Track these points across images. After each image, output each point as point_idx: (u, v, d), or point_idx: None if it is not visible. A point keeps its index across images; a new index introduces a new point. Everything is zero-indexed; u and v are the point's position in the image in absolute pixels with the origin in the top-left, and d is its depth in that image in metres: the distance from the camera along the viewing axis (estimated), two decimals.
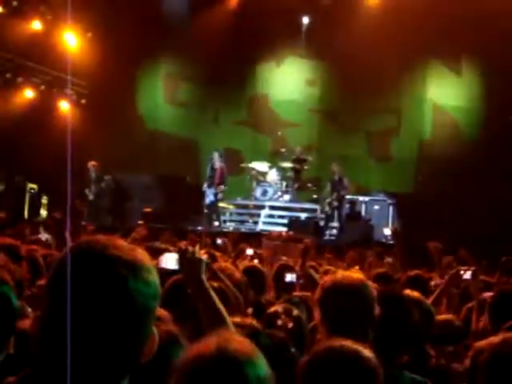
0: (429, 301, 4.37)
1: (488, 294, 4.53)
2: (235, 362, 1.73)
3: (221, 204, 17.40)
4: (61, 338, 1.39)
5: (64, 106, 18.05)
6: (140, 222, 13.77)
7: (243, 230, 16.82)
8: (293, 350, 3.09)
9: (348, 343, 2.30)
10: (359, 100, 19.04)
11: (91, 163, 17.13)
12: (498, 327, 3.69)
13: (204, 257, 3.12)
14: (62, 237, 5.51)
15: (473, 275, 5.11)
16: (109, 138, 17.86)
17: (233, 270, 4.76)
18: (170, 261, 3.18)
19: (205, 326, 2.83)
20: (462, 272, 5.14)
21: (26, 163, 16.52)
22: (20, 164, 16.66)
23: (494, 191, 16.16)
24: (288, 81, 20.48)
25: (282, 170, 17.93)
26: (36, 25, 16.86)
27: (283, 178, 17.91)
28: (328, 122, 20.15)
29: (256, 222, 17.58)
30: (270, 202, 17.76)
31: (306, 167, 17.89)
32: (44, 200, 17.13)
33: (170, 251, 3.44)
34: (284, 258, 6.90)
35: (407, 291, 3.99)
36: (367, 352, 2.29)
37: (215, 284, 3.54)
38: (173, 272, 3.28)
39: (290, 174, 17.87)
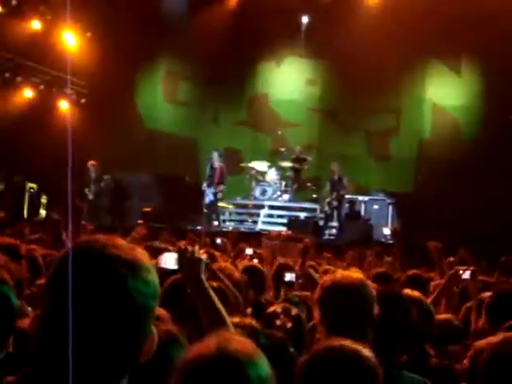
0: (428, 300, 4.37)
1: (487, 294, 4.53)
2: (236, 362, 1.73)
3: (220, 203, 17.39)
4: (60, 337, 1.39)
5: (63, 106, 18.04)
6: (139, 221, 13.75)
7: (243, 229, 16.81)
8: (291, 349, 3.09)
9: (347, 343, 2.30)
10: (359, 99, 19.05)
11: (90, 163, 17.13)
12: (496, 327, 3.70)
13: (203, 256, 3.11)
14: (59, 237, 5.49)
15: (472, 275, 5.10)
16: (108, 138, 17.86)
17: (232, 270, 4.76)
18: (169, 260, 3.18)
19: (204, 325, 2.83)
20: (460, 272, 5.13)
21: (25, 163, 16.51)
22: (19, 163, 16.65)
23: (494, 191, 16.17)
24: (288, 80, 20.48)
25: (281, 169, 17.93)
26: (35, 24, 16.85)
27: (282, 177, 17.91)
28: (328, 121, 20.16)
29: (255, 222, 17.58)
30: (270, 201, 17.76)
31: (305, 167, 17.89)
32: (43, 199, 17.12)
33: (169, 251, 3.44)
34: (281, 259, 6.88)
35: (407, 291, 3.99)
36: (367, 351, 2.29)
37: (214, 284, 3.54)
38: (172, 272, 3.28)
39: (290, 173, 17.87)
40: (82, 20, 16.54)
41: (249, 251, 7.72)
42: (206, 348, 1.76)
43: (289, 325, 3.54)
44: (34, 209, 16.73)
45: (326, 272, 5.93)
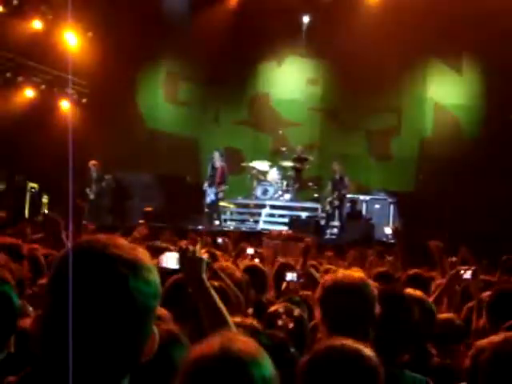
0: (430, 299, 4.37)
1: (487, 293, 4.53)
2: (239, 362, 1.73)
3: (221, 203, 17.40)
4: (62, 336, 1.39)
5: (65, 106, 18.04)
6: (141, 221, 13.75)
7: (244, 229, 16.81)
8: (292, 350, 3.09)
9: (349, 342, 2.30)
10: (360, 99, 19.04)
11: (92, 162, 17.13)
12: (496, 326, 3.69)
13: (204, 256, 3.11)
14: (58, 236, 5.47)
15: (473, 275, 5.11)
16: (109, 137, 17.86)
17: (233, 270, 4.76)
18: (170, 260, 3.18)
19: (205, 325, 2.83)
20: (462, 272, 5.14)
21: (26, 162, 16.52)
22: (21, 163, 16.66)
23: (495, 190, 16.16)
24: (289, 80, 20.48)
25: (282, 169, 17.94)
26: (37, 24, 16.85)
27: (284, 177, 17.92)
28: (329, 120, 20.16)
29: (257, 221, 17.58)
30: (271, 201, 17.77)
31: (306, 166, 17.89)
32: (45, 199, 17.13)
33: (170, 250, 3.44)
34: (281, 259, 6.88)
35: (409, 290, 3.98)
36: (368, 351, 2.29)
37: (216, 283, 3.54)
38: (173, 271, 3.28)
39: (291, 173, 17.87)
40: (83, 20, 16.55)
41: (250, 251, 7.70)
42: (209, 348, 1.75)
43: (291, 325, 3.54)
44: (35, 208, 16.74)
45: (327, 271, 5.93)
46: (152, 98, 20.63)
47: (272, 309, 3.82)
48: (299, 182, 17.90)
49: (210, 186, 16.81)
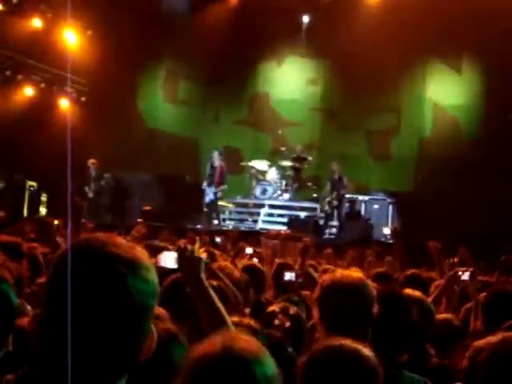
0: (428, 300, 4.37)
1: (483, 294, 4.54)
2: (242, 360, 1.73)
3: (220, 202, 17.40)
4: (60, 335, 1.39)
5: (64, 104, 18.04)
6: (139, 220, 13.75)
7: (243, 228, 16.81)
8: (290, 349, 3.09)
9: (347, 342, 2.30)
10: (359, 99, 19.04)
11: (91, 161, 17.12)
12: (492, 326, 3.70)
13: (203, 256, 3.11)
14: (53, 240, 5.47)
15: (471, 276, 5.11)
16: (109, 136, 17.85)
17: (232, 269, 4.76)
18: (169, 259, 3.18)
19: (204, 325, 2.83)
20: (460, 273, 5.14)
21: (25, 161, 16.51)
22: (19, 162, 16.65)
23: (494, 190, 16.16)
24: (289, 80, 20.48)
25: (281, 168, 17.93)
26: (36, 22, 16.85)
27: (283, 176, 17.92)
28: (328, 120, 20.15)
29: (255, 221, 17.57)
30: (270, 200, 17.77)
31: (305, 166, 17.89)
32: (43, 198, 17.12)
33: (169, 250, 3.44)
34: (279, 259, 6.88)
35: (408, 290, 3.98)
36: (367, 351, 2.29)
37: (214, 283, 3.54)
38: (172, 271, 3.28)
39: (290, 172, 17.87)
40: (83, 18, 16.54)
41: (249, 250, 7.71)
42: (211, 347, 1.75)
43: (287, 324, 3.54)
44: (34, 207, 16.73)
45: (325, 271, 5.93)
46: (152, 98, 20.61)
47: (270, 309, 3.82)
48: (298, 182, 17.90)
49: (209, 185, 16.82)
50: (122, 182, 17.90)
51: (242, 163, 18.50)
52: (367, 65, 18.15)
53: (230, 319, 2.90)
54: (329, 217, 16.87)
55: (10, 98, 16.87)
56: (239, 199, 18.40)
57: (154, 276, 1.51)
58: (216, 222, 16.97)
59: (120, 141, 18.20)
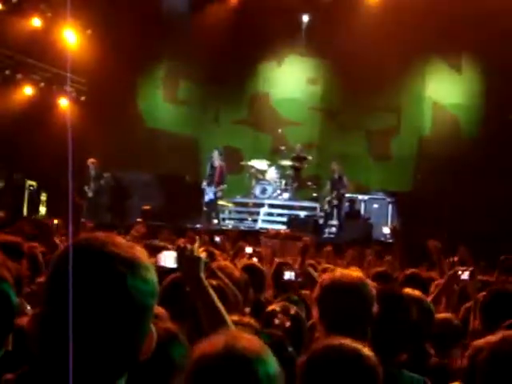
0: (428, 299, 4.37)
1: (482, 294, 4.54)
2: (244, 359, 1.73)
3: (220, 202, 17.40)
4: (59, 335, 1.39)
5: (63, 103, 18.04)
6: (138, 219, 13.75)
7: (242, 228, 16.81)
8: (290, 349, 3.09)
9: (347, 341, 2.30)
10: (359, 98, 19.05)
11: (90, 160, 17.11)
12: (490, 326, 3.69)
13: (202, 255, 3.11)
14: (51, 240, 5.46)
15: (471, 275, 5.11)
16: (108, 136, 17.85)
17: (232, 269, 4.76)
18: (168, 259, 3.18)
19: (204, 324, 2.83)
20: (459, 272, 5.14)
21: (25, 160, 16.51)
22: (19, 161, 16.65)
23: (493, 189, 16.16)
24: (289, 79, 20.48)
25: (281, 168, 17.93)
26: (36, 22, 16.86)
27: (283, 176, 17.91)
28: (328, 120, 20.15)
29: (255, 220, 17.57)
30: (270, 200, 17.76)
31: (305, 165, 17.89)
32: (43, 197, 17.12)
33: (168, 249, 3.44)
34: (279, 259, 6.88)
35: (408, 290, 3.98)
36: (367, 350, 2.29)
37: (214, 282, 3.53)
38: (171, 270, 3.27)
39: (290, 172, 17.86)
40: (83, 18, 16.55)
41: (248, 250, 7.71)
42: (214, 346, 1.75)
43: (287, 324, 3.54)
44: (33, 206, 16.73)
45: (325, 270, 5.93)
46: (151, 97, 20.62)
47: (269, 308, 3.82)
48: (298, 181, 17.90)
49: (209, 184, 16.82)
50: (122, 182, 17.89)
51: (242, 162, 18.50)
52: (367, 64, 18.15)
53: (230, 318, 2.90)
54: (328, 216, 16.88)
55: (9, 98, 16.87)
56: (239, 199, 18.40)
57: (153, 275, 1.50)
58: (216, 221, 16.97)
59: (120, 140, 18.21)
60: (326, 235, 16.56)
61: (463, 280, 5.14)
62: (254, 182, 17.94)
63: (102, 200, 17.42)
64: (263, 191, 17.78)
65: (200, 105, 20.30)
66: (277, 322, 3.54)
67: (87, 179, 17.13)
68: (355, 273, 3.34)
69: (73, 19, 15.75)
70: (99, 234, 1.51)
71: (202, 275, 2.97)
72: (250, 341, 1.79)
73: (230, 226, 17.03)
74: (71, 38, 16.90)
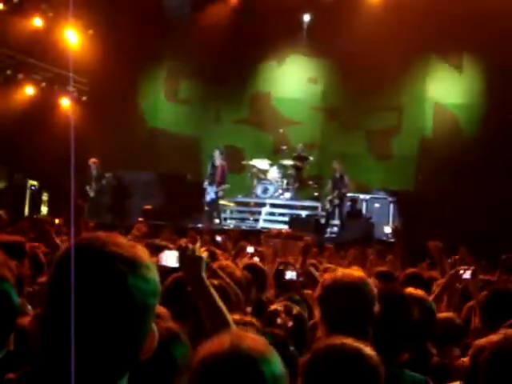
0: (429, 299, 4.37)
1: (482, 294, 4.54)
2: (250, 359, 1.72)
3: (221, 201, 17.40)
4: (61, 334, 1.39)
5: (65, 103, 18.05)
6: (140, 219, 13.74)
7: (244, 227, 16.81)
8: (292, 348, 3.09)
9: (349, 341, 2.30)
10: (361, 98, 19.05)
11: (92, 160, 17.12)
12: (490, 325, 3.69)
13: (204, 255, 3.11)
14: (50, 239, 5.44)
15: (472, 275, 5.11)
16: (110, 136, 17.87)
17: (234, 269, 4.75)
18: (170, 258, 3.18)
19: (205, 323, 2.83)
20: (461, 272, 5.14)
21: (26, 160, 16.52)
22: (21, 161, 16.66)
23: (494, 189, 16.16)
24: (290, 79, 20.48)
25: (282, 167, 17.93)
26: (37, 22, 16.88)
27: (284, 175, 17.91)
28: (330, 119, 20.15)
29: (257, 220, 17.56)
30: (271, 199, 17.76)
31: (307, 165, 17.89)
32: (44, 197, 17.13)
33: (169, 249, 3.44)
34: (280, 259, 6.88)
35: (410, 289, 3.98)
36: (368, 350, 2.29)
37: (215, 282, 3.53)
38: (173, 270, 3.27)
39: (291, 171, 17.86)
40: (84, 18, 16.57)
41: (250, 249, 7.70)
42: (219, 345, 1.75)
43: (290, 323, 3.54)
44: (35, 206, 16.73)
45: (326, 270, 5.93)
46: (153, 97, 20.63)
47: (272, 307, 3.82)
48: (299, 181, 17.89)
49: (210, 184, 16.83)
50: (123, 181, 17.89)
51: (244, 162, 18.49)
52: (368, 64, 18.15)
53: (232, 318, 2.90)
54: (330, 215, 16.88)
55: (10, 98, 16.89)
56: (240, 198, 18.40)
57: (154, 275, 1.50)
58: (217, 221, 16.97)
59: (121, 140, 18.22)
60: (327, 235, 16.56)
61: (465, 279, 5.14)
62: (255, 181, 17.93)
63: (103, 200, 17.42)
64: (265, 191, 17.78)
65: (201, 104, 20.30)
66: (279, 321, 3.54)
67: (89, 179, 17.13)
68: (357, 272, 3.33)
69: (74, 19, 15.77)
70: (100, 233, 1.51)
71: (204, 275, 2.96)
72: (255, 340, 1.79)
73: (232, 226, 17.02)
74: (73, 38, 16.92)
